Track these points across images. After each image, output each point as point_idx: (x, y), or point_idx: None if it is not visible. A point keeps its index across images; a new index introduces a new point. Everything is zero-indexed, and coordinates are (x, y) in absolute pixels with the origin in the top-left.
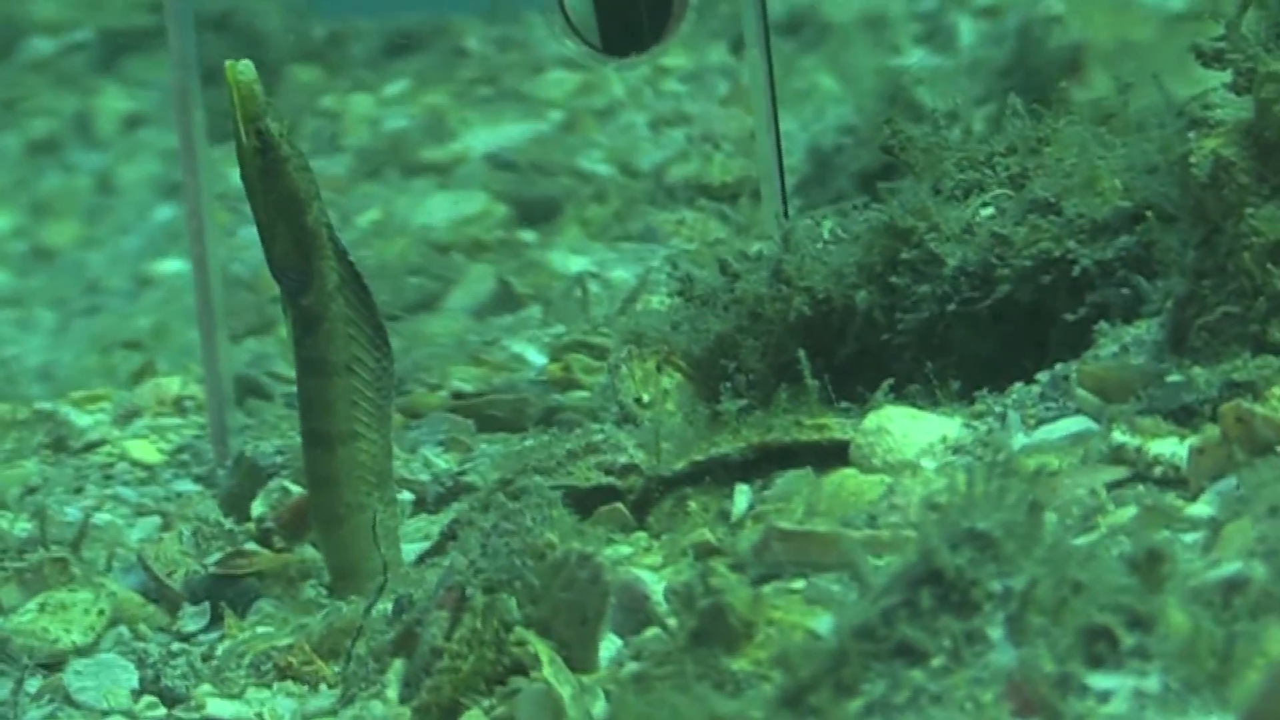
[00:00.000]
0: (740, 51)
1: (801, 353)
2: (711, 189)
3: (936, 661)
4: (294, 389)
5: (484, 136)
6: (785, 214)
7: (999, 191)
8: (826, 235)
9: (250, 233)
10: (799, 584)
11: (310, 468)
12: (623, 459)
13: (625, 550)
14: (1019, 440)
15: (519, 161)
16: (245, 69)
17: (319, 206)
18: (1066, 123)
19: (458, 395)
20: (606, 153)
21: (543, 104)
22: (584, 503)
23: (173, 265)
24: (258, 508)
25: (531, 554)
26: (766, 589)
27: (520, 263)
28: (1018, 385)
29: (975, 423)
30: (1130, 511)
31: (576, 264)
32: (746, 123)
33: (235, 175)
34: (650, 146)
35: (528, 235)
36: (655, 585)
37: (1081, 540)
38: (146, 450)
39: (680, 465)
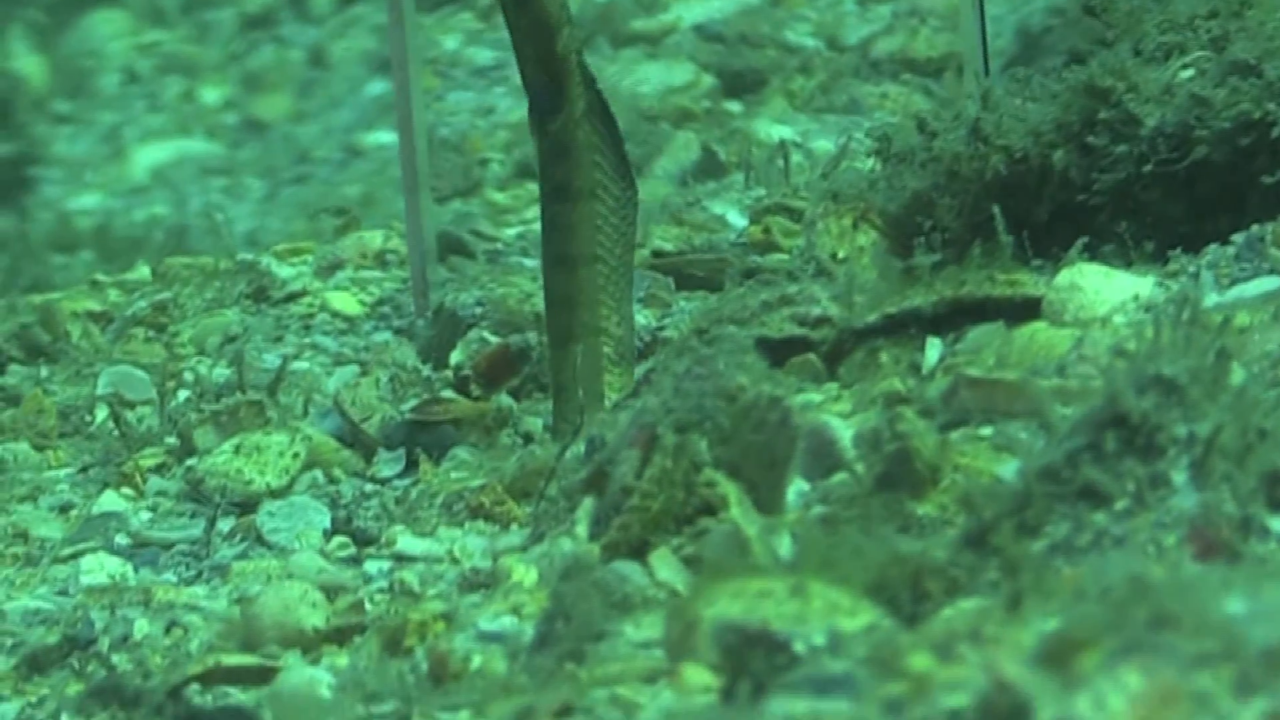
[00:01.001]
0: None
1: (996, 208)
2: (916, 63)
3: (1120, 504)
4: (497, 246)
5: (693, 8)
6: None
7: (1199, 54)
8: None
9: (458, 97)
10: (986, 431)
11: (550, 289)
12: (816, 311)
13: (815, 398)
14: (1211, 299)
15: (727, 33)
16: None
17: (570, 32)
18: None
19: (658, 254)
20: (814, 26)
21: None
22: (777, 353)
23: (383, 137)
24: (456, 356)
25: (722, 396)
26: (954, 435)
27: (725, 131)
28: (1212, 246)
29: (1168, 282)
30: None
31: (780, 134)
32: None
33: (445, 41)
34: (857, 21)
35: (733, 106)
36: (844, 431)
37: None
38: (347, 302)
39: (872, 317)
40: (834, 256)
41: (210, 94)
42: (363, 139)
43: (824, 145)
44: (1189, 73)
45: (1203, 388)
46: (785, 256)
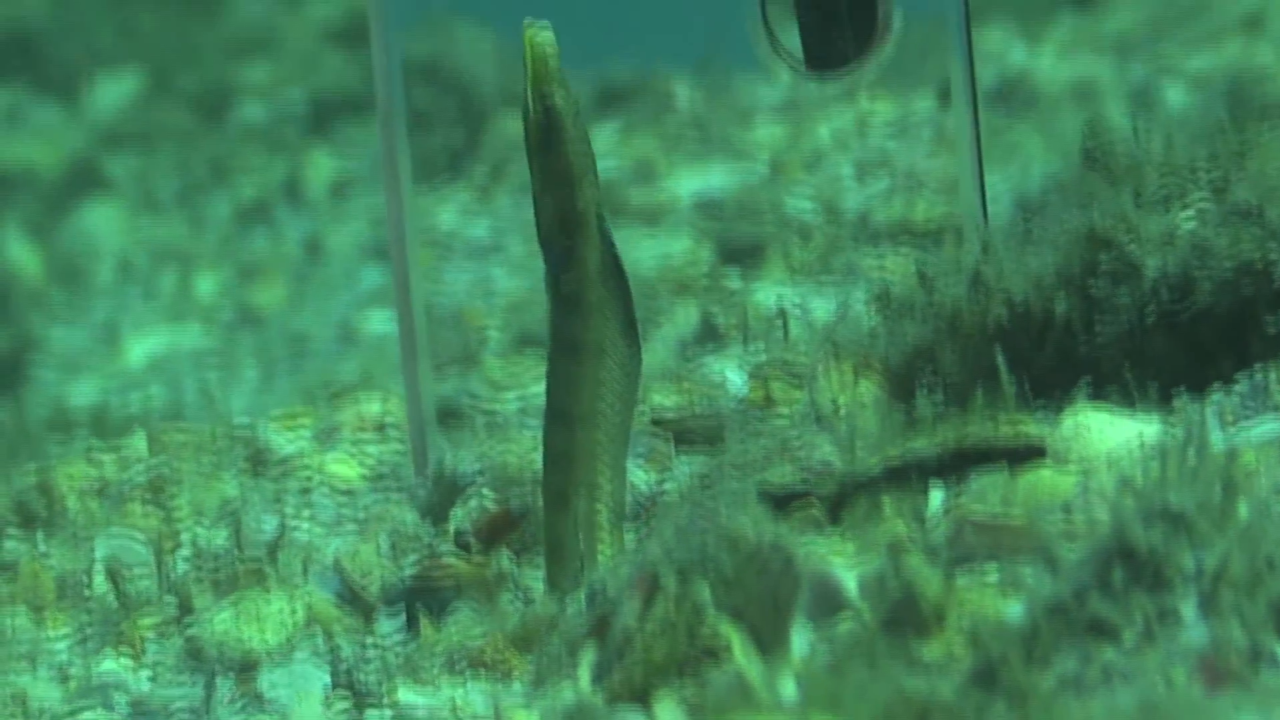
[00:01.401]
0: (947, 101)
1: (999, 353)
2: (914, 230)
3: (1128, 638)
4: (494, 411)
5: (691, 181)
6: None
7: (1200, 200)
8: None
9: (454, 274)
10: (992, 572)
11: (549, 444)
12: (818, 460)
13: (819, 545)
14: (1217, 440)
15: (725, 205)
16: (544, 36)
17: (592, 189)
18: (1271, 131)
19: (658, 415)
20: (812, 196)
21: (750, 151)
22: (780, 503)
23: (379, 320)
24: (456, 517)
25: (725, 541)
26: (960, 578)
27: (724, 301)
28: (1217, 390)
29: (1173, 424)
30: None
31: (778, 299)
32: (952, 167)
33: (443, 215)
34: (856, 190)
35: (732, 275)
36: (848, 575)
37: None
38: (345, 468)
39: (875, 466)
40: (835, 407)
41: (205, 283)
42: (359, 323)
43: (823, 310)
44: (1190, 219)
45: (1210, 519)
46: (786, 415)
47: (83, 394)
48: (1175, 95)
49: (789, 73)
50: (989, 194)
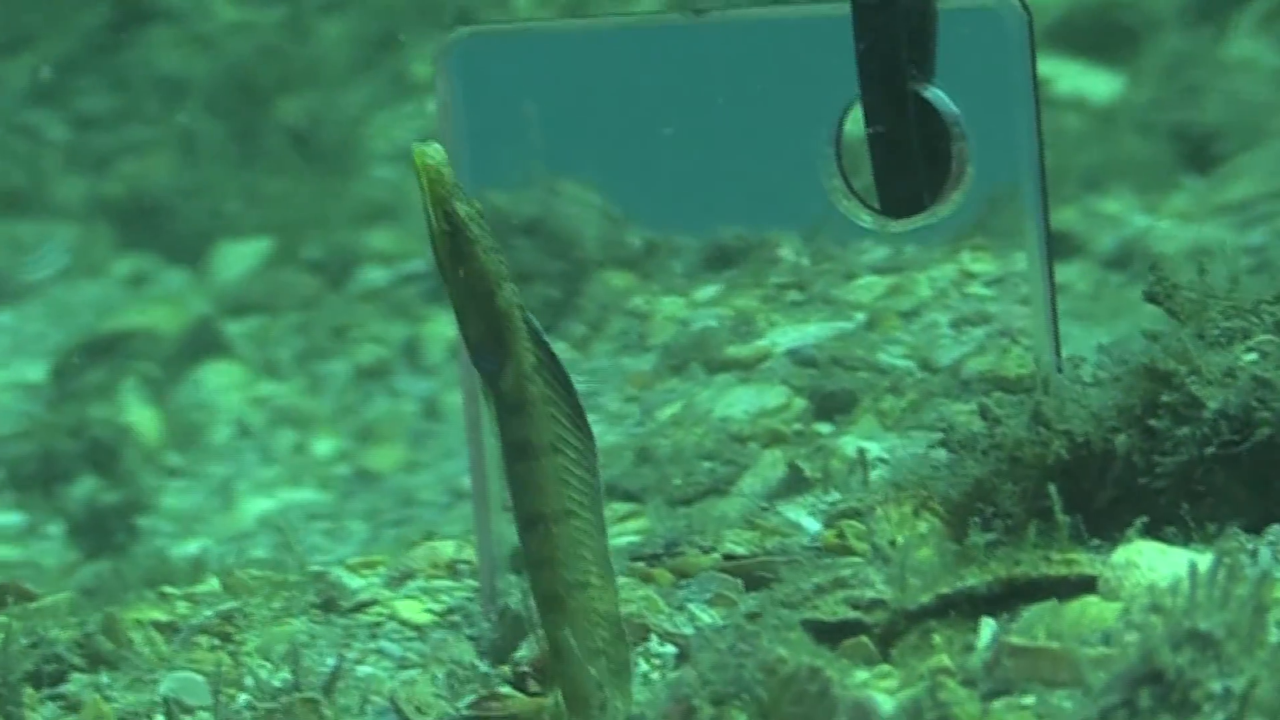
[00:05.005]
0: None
1: (1052, 488)
2: (1007, 381)
3: None
4: None
5: (788, 333)
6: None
7: (1264, 337)
8: (1087, 378)
9: None
10: (1029, 700)
11: (527, 551)
12: (869, 594)
13: (863, 675)
14: (1261, 568)
15: (820, 357)
16: (434, 152)
17: (510, 288)
18: None
19: (729, 557)
20: (907, 348)
21: (849, 306)
22: (830, 636)
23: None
24: (517, 655)
25: (762, 668)
26: (996, 704)
27: (811, 449)
28: (1274, 526)
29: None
30: None
31: (862, 447)
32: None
33: None
34: (951, 343)
35: (823, 426)
36: (886, 703)
37: None
38: (416, 610)
39: (926, 599)
40: (892, 543)
41: (323, 446)
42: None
43: (905, 458)
44: (1252, 356)
45: (1239, 642)
46: (858, 560)
47: (187, 549)
48: None
49: (866, 218)
50: (1094, 348)
